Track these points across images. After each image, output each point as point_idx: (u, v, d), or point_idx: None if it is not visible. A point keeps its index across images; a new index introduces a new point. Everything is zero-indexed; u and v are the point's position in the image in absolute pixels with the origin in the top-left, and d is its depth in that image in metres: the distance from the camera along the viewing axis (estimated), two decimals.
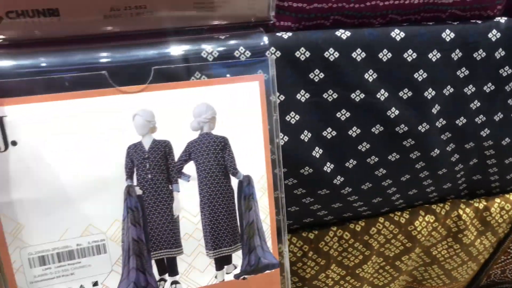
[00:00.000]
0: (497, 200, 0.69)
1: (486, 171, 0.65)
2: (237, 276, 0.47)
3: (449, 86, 0.53)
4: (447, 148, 0.57)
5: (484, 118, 0.56)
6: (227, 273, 0.47)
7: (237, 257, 0.47)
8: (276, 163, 0.46)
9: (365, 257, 0.67)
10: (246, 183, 0.45)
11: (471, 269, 0.80)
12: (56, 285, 0.40)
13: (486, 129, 0.57)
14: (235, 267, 0.47)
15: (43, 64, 0.37)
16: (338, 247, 0.64)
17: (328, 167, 0.52)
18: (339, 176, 0.53)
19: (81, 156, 0.39)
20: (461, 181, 0.66)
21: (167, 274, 0.45)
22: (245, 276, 0.47)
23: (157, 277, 0.44)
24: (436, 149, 0.56)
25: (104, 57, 0.38)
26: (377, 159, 0.54)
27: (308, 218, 0.61)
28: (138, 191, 0.42)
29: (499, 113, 0.57)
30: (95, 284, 0.42)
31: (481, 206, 0.69)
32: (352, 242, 0.64)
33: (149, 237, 0.43)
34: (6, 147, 0.36)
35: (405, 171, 0.57)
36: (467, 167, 0.62)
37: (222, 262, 0.46)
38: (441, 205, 0.67)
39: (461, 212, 0.68)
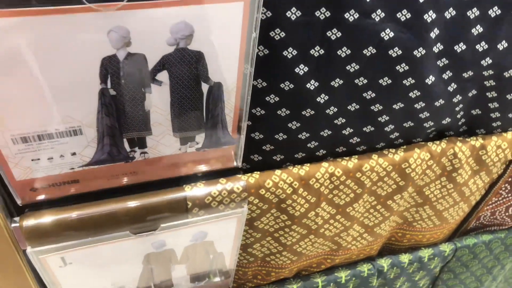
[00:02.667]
0: (494, 138, 0.67)
1: (486, 105, 0.63)
2: (198, 149, 0.51)
3: (451, 9, 0.49)
4: (444, 76, 0.54)
5: (486, 45, 0.53)
6: (189, 147, 0.51)
7: (200, 137, 0.50)
8: (247, 77, 0.45)
9: (356, 196, 0.65)
10: (216, 88, 0.46)
11: (462, 210, 0.79)
12: (39, 155, 0.45)
13: (488, 58, 0.54)
14: (198, 143, 0.51)
15: None
16: (329, 184, 0.62)
17: (312, 85, 0.49)
18: (323, 94, 0.51)
19: (56, 65, 0.38)
20: (460, 115, 0.63)
21: (137, 147, 0.48)
22: (205, 148, 0.51)
23: (128, 149, 0.48)
24: (431, 76, 0.53)
25: None
26: (366, 81, 0.51)
27: (300, 153, 0.59)
28: (112, 92, 0.42)
29: (504, 41, 0.54)
30: (73, 154, 0.46)
31: (477, 144, 0.67)
32: (344, 179, 0.62)
33: (122, 123, 0.45)
34: None
35: (397, 98, 0.54)
36: (465, 99, 0.60)
37: (186, 140, 0.50)
38: (438, 142, 0.65)
39: (457, 149, 0.65)
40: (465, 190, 0.73)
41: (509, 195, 0.80)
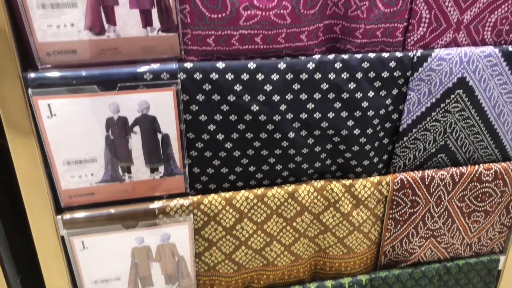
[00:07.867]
0: (360, 180, 1.04)
1: (343, 155, 1.01)
2: (161, 177, 0.91)
3: (289, 94, 0.92)
4: (301, 133, 0.95)
5: (320, 114, 0.94)
6: (156, 175, 0.90)
7: (161, 168, 0.90)
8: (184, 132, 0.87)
9: (268, 215, 1.01)
10: (166, 137, 0.86)
11: (361, 240, 1.10)
12: (74, 174, 0.87)
13: (324, 122, 0.95)
14: (160, 173, 0.90)
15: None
16: (247, 205, 0.99)
17: (220, 136, 0.91)
18: (228, 142, 0.92)
19: (83, 122, 0.84)
20: (328, 162, 1.01)
21: (126, 173, 0.90)
22: (166, 176, 0.90)
23: (121, 173, 0.89)
24: (291, 133, 0.94)
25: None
26: (252, 135, 0.92)
27: (225, 183, 0.98)
28: (111, 137, 0.85)
29: (331, 112, 0.95)
30: (92, 174, 0.86)
31: (347, 183, 1.03)
32: (256, 202, 0.99)
33: (117, 156, 0.87)
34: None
35: (274, 147, 0.94)
36: (325, 149, 0.99)
37: (153, 170, 0.90)
38: (318, 180, 1.02)
39: (333, 186, 1.02)
40: (353, 220, 1.06)
41: (396, 229, 1.11)
